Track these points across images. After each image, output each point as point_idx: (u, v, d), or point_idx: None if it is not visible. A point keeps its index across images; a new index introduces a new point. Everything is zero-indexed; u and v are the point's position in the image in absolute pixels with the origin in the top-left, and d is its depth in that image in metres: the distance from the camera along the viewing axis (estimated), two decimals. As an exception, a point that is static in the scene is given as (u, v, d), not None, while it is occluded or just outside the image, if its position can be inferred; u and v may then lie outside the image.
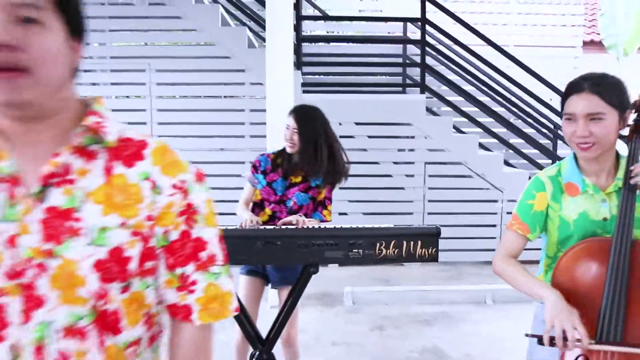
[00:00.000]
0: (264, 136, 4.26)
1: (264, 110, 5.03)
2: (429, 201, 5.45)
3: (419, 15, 5.56)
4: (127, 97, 5.60)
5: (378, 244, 2.17)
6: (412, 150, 5.47)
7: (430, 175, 5.44)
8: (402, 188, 5.46)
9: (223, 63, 5.28)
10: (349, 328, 3.96)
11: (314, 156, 2.51)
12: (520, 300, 4.30)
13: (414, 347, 3.61)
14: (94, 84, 5.34)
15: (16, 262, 0.81)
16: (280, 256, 2.19)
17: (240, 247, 2.13)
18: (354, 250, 2.17)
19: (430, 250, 2.21)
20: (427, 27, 5.60)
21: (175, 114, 5.34)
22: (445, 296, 4.53)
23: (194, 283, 0.91)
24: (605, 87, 1.47)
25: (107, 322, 0.86)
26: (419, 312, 4.25)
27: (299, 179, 2.59)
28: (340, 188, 2.75)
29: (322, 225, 2.55)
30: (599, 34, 9.91)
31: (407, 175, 5.47)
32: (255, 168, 2.62)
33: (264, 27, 5.76)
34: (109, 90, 5.41)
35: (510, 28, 6.66)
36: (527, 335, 1.55)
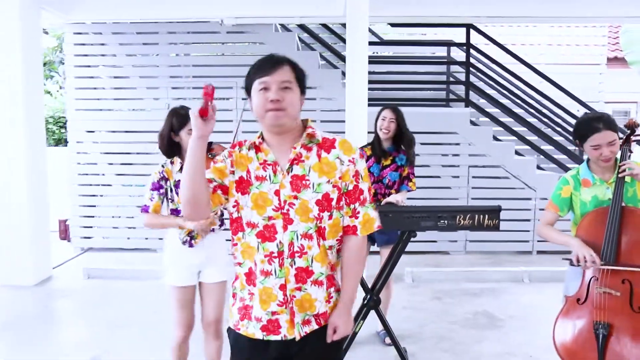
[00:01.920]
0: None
1: (334, 121, 6.06)
2: (472, 199, 6.33)
3: (462, 40, 6.51)
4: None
5: (458, 216, 3.12)
6: (457, 155, 6.36)
7: (473, 177, 6.33)
8: (449, 187, 6.36)
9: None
10: (413, 298, 4.88)
11: (406, 137, 3.54)
12: (551, 280, 5.20)
13: (468, 311, 4.52)
14: (180, 98, 6.36)
15: (279, 203, 1.68)
16: (391, 224, 3.16)
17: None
18: (441, 221, 3.12)
19: (494, 221, 3.14)
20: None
21: (256, 124, 6.32)
22: (489, 276, 5.41)
23: (358, 212, 1.76)
24: (612, 124, 2.42)
25: (320, 232, 1.71)
26: (469, 288, 5.14)
27: (388, 162, 3.63)
28: (409, 191, 3.74)
29: (407, 202, 3.54)
30: (622, 50, 10.71)
31: (453, 177, 6.37)
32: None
33: (331, 51, 6.81)
34: (196, 104, 6.43)
35: (542, 48, 7.53)
36: (564, 259, 2.49)
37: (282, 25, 6.91)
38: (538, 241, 6.31)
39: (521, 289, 5.13)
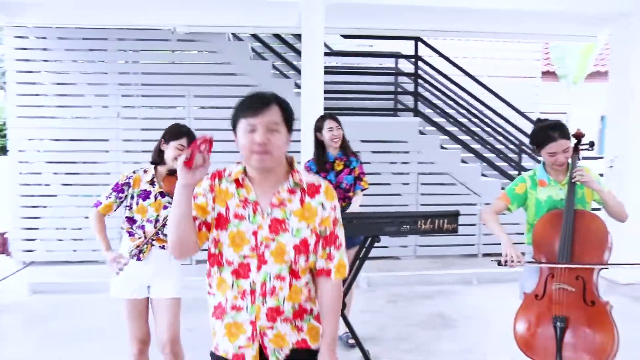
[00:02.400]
0: (290, 151, 5.30)
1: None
2: (421, 205, 6.57)
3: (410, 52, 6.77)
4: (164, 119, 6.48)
5: (419, 221, 3.26)
6: (406, 163, 6.59)
7: (422, 184, 6.58)
8: (399, 194, 6.57)
9: (252, 90, 6.30)
10: (371, 302, 5.01)
11: (346, 145, 3.79)
12: (498, 281, 5.49)
13: (423, 313, 4.69)
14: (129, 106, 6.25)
15: (255, 243, 1.68)
16: (356, 230, 3.26)
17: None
18: (404, 226, 3.25)
19: (452, 225, 3.31)
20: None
21: (210, 132, 6.29)
22: (441, 278, 5.64)
23: (333, 256, 1.81)
24: (566, 133, 2.64)
25: (294, 273, 1.75)
26: (422, 291, 5.33)
27: (341, 167, 3.74)
28: (362, 190, 3.87)
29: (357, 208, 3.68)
30: (552, 65, 11.48)
31: (403, 184, 6.59)
32: (308, 171, 3.73)
33: (284, 61, 6.89)
34: (146, 112, 6.33)
35: (484, 61, 7.94)
36: (492, 260, 2.70)
37: (234, 35, 6.92)
38: (483, 244, 6.63)
39: (471, 290, 5.38)
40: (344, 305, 3.42)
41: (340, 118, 6.43)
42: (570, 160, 2.76)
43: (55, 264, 6.14)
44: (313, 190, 1.74)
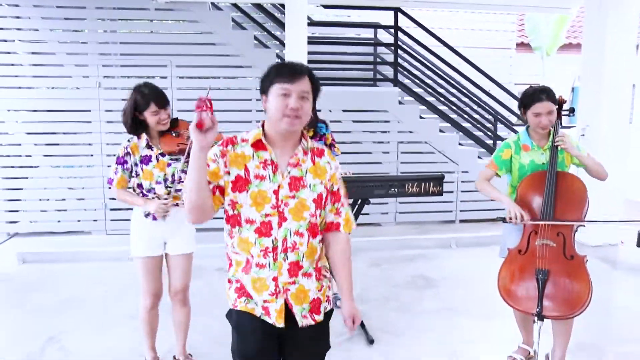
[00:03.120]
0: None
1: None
2: (401, 173, 6.74)
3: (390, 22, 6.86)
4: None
5: (407, 184, 3.43)
6: (386, 132, 6.74)
7: (402, 152, 6.75)
8: (380, 163, 6.73)
9: (234, 60, 6.32)
10: (354, 265, 5.13)
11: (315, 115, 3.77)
12: (475, 245, 5.76)
13: (406, 274, 4.91)
14: (110, 76, 6.19)
15: (276, 201, 1.82)
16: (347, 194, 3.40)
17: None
18: (392, 189, 3.42)
19: (437, 188, 3.49)
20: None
21: (192, 102, 6.30)
22: (420, 243, 5.87)
23: (340, 211, 1.97)
24: (552, 95, 2.81)
25: (311, 230, 1.88)
26: (403, 254, 5.55)
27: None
28: (336, 156, 3.97)
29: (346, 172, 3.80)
30: (527, 36, 11.69)
31: (383, 152, 6.75)
32: None
33: (265, 30, 6.89)
34: (127, 82, 6.27)
35: (461, 32, 8.07)
36: (499, 219, 2.87)
37: (214, 5, 6.87)
38: (460, 211, 6.89)
39: (450, 253, 5.63)
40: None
41: (326, 88, 6.59)
42: (552, 127, 2.94)
43: (40, 235, 6.15)
44: (319, 152, 1.92)
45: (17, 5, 6.11)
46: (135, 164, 2.80)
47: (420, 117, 6.93)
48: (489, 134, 7.37)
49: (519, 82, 8.51)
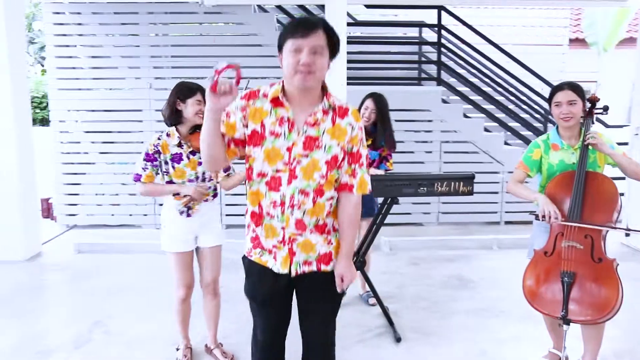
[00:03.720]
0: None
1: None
2: (444, 173, 6.68)
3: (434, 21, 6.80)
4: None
5: (436, 183, 3.43)
6: (430, 131, 6.70)
7: (445, 152, 6.68)
8: (422, 162, 6.70)
9: (277, 61, 6.45)
10: (392, 264, 5.22)
11: (383, 129, 3.82)
12: (517, 246, 5.60)
13: (443, 274, 4.88)
14: (161, 78, 6.49)
15: (289, 159, 1.86)
16: (375, 192, 3.45)
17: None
18: (421, 188, 3.43)
19: (467, 187, 3.46)
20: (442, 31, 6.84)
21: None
22: (461, 244, 5.81)
23: (356, 173, 1.97)
24: (575, 87, 2.75)
25: (318, 191, 1.91)
26: (442, 255, 5.51)
27: (369, 142, 3.88)
28: (386, 171, 4.01)
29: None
30: (583, 32, 11.24)
31: (426, 152, 6.71)
32: None
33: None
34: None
35: (510, 29, 7.89)
36: (531, 213, 2.83)
37: (260, 7, 7.05)
38: (505, 212, 6.74)
39: (490, 255, 5.54)
40: (364, 263, 3.65)
41: (364, 87, 6.61)
42: (583, 127, 2.86)
43: (95, 227, 6.54)
44: (343, 112, 1.90)
45: (78, 13, 6.52)
46: (166, 162, 2.89)
47: (465, 117, 6.84)
48: (538, 133, 7.15)
49: (573, 80, 8.21)
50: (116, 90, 6.55)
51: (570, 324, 2.67)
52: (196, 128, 2.91)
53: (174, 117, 2.91)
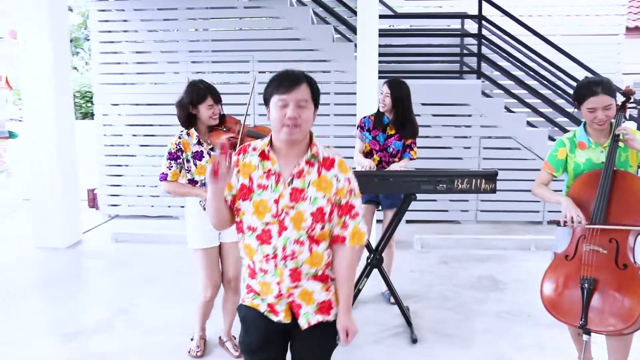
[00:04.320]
0: (348, 114, 5.40)
1: (347, 93, 6.23)
2: (483, 169, 6.44)
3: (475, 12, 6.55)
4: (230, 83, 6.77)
5: (456, 180, 3.30)
6: (468, 126, 6.48)
7: (484, 148, 6.45)
8: (461, 158, 6.49)
9: (313, 55, 6.44)
10: (421, 262, 5.10)
11: (398, 114, 3.70)
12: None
13: (473, 275, 4.72)
14: (200, 72, 6.59)
15: (276, 211, 1.83)
16: (392, 188, 3.37)
17: (367, 181, 3.31)
18: (440, 185, 3.31)
19: (490, 185, 3.31)
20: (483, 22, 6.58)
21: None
22: (497, 243, 5.59)
23: (347, 225, 1.90)
24: (609, 87, 2.54)
25: (313, 239, 1.88)
26: (476, 254, 5.33)
27: (393, 132, 3.79)
28: (411, 159, 3.88)
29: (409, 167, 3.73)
30: (643, 20, 10.53)
31: (464, 147, 6.50)
32: (361, 128, 3.83)
33: (345, 24, 6.92)
34: (215, 78, 6.64)
35: (558, 19, 7.50)
36: (551, 222, 2.66)
37: (298, 0, 7.04)
38: (549, 211, 6.43)
39: (527, 256, 5.30)
40: (381, 260, 3.57)
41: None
42: (614, 120, 2.66)
43: (136, 218, 6.76)
44: (329, 164, 1.89)
45: (122, 10, 6.73)
46: (187, 160, 2.96)
47: (509, 111, 6.57)
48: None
49: (629, 72, 7.73)
50: (157, 85, 6.72)
51: (592, 334, 2.51)
52: (212, 127, 2.96)
53: (189, 120, 2.97)
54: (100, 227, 6.42)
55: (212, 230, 2.95)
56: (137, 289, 4.36)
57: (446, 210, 6.56)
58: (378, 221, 3.96)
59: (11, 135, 7.22)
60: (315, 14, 6.92)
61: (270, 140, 1.88)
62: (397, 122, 3.77)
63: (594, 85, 2.56)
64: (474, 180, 3.30)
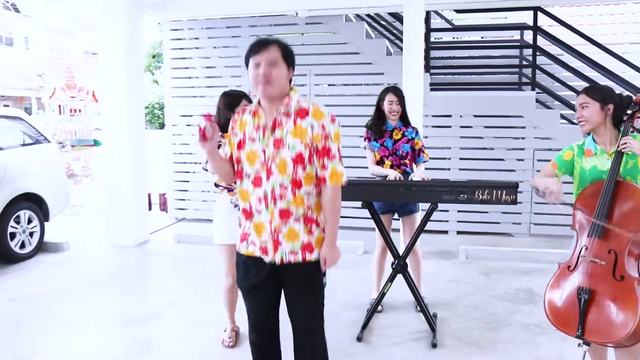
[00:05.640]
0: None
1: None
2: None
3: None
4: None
5: (477, 191, 3.40)
6: (522, 138, 6.40)
7: (538, 160, 6.34)
8: (514, 170, 6.42)
9: (367, 68, 6.67)
10: (461, 272, 5.14)
11: (404, 116, 3.98)
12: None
13: (511, 287, 4.70)
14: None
15: (264, 158, 2.13)
16: (415, 197, 3.53)
17: (393, 190, 3.51)
18: (461, 195, 3.42)
19: (511, 196, 3.37)
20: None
21: (328, 108, 6.82)
22: (545, 257, 5.49)
23: (326, 166, 2.19)
24: (590, 88, 2.61)
25: (295, 183, 2.15)
26: (519, 267, 5.28)
27: (399, 136, 3.95)
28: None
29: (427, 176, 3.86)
30: None
31: (517, 160, 6.43)
32: (368, 139, 4.00)
33: (399, 38, 7.09)
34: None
35: (624, 27, 7.21)
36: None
37: (357, 15, 7.30)
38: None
39: (575, 270, 5.16)
40: (405, 266, 3.71)
41: (452, 93, 6.56)
42: (621, 130, 2.68)
43: (200, 221, 7.29)
44: (303, 113, 2.15)
45: (192, 29, 7.33)
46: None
47: (570, 122, 6.42)
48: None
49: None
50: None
51: (590, 344, 2.54)
52: None
53: (226, 124, 3.30)
54: (167, 229, 7.00)
55: (236, 229, 3.26)
56: (189, 286, 4.79)
57: (498, 222, 6.51)
58: (394, 230, 4.12)
59: (95, 143, 8.03)
60: (374, 28, 7.15)
61: (259, 100, 2.17)
62: (404, 121, 4.02)
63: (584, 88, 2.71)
64: (494, 191, 3.38)
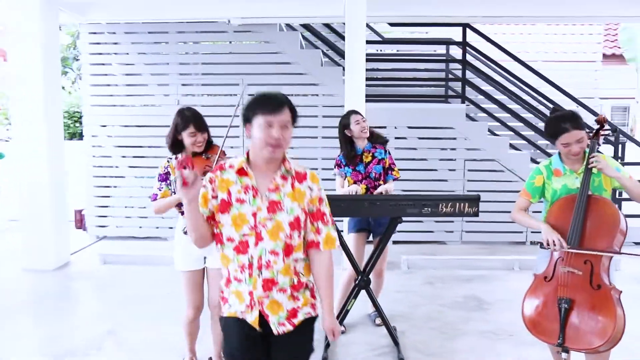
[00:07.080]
0: (335, 137, 5.53)
1: (335, 116, 6.34)
2: (468, 191, 6.60)
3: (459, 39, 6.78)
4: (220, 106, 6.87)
5: (440, 204, 3.41)
6: (453, 149, 6.63)
7: (469, 170, 6.60)
8: (446, 180, 6.63)
9: (301, 78, 6.58)
10: (407, 283, 5.18)
11: (372, 135, 3.95)
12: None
13: (458, 295, 4.81)
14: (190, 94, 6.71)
15: (254, 223, 1.95)
16: (379, 211, 3.47)
17: (356, 205, 3.42)
18: (425, 208, 3.41)
19: (473, 209, 3.42)
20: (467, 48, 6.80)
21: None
22: (482, 264, 5.69)
23: (320, 230, 2.07)
24: (577, 122, 2.68)
25: (288, 249, 2.01)
26: (461, 274, 5.43)
27: (369, 158, 3.91)
28: (395, 180, 3.98)
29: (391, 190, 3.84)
30: (620, 47, 10.92)
31: (449, 170, 6.64)
32: (339, 165, 3.94)
33: (333, 49, 7.09)
34: (204, 100, 6.75)
35: (539, 46, 7.76)
36: (534, 242, 2.78)
37: (288, 25, 7.20)
38: (532, 232, 6.57)
39: (511, 276, 5.41)
40: (368, 282, 3.65)
41: (387, 105, 6.64)
42: (587, 149, 2.80)
43: (124, 239, 6.77)
44: (301, 177, 2.05)
45: (114, 33, 6.83)
46: (175, 182, 3.03)
47: (493, 134, 6.75)
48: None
49: (607, 97, 7.99)
50: (147, 107, 6.79)
51: (570, 352, 2.60)
52: (195, 154, 3.04)
53: (176, 145, 3.06)
54: (88, 249, 6.42)
55: (196, 254, 3.03)
56: (125, 310, 4.38)
57: (432, 231, 6.67)
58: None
59: (-1, 155, 7.23)
60: (305, 38, 7.09)
61: (247, 157, 2.01)
62: (373, 140, 3.97)
63: (563, 122, 2.70)
64: (457, 204, 3.40)
